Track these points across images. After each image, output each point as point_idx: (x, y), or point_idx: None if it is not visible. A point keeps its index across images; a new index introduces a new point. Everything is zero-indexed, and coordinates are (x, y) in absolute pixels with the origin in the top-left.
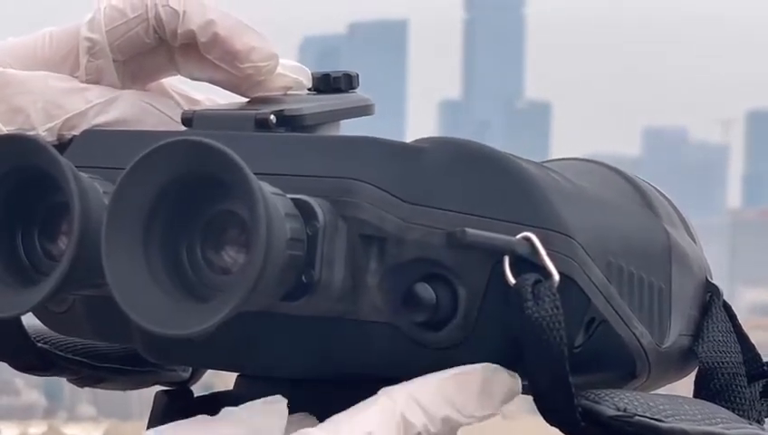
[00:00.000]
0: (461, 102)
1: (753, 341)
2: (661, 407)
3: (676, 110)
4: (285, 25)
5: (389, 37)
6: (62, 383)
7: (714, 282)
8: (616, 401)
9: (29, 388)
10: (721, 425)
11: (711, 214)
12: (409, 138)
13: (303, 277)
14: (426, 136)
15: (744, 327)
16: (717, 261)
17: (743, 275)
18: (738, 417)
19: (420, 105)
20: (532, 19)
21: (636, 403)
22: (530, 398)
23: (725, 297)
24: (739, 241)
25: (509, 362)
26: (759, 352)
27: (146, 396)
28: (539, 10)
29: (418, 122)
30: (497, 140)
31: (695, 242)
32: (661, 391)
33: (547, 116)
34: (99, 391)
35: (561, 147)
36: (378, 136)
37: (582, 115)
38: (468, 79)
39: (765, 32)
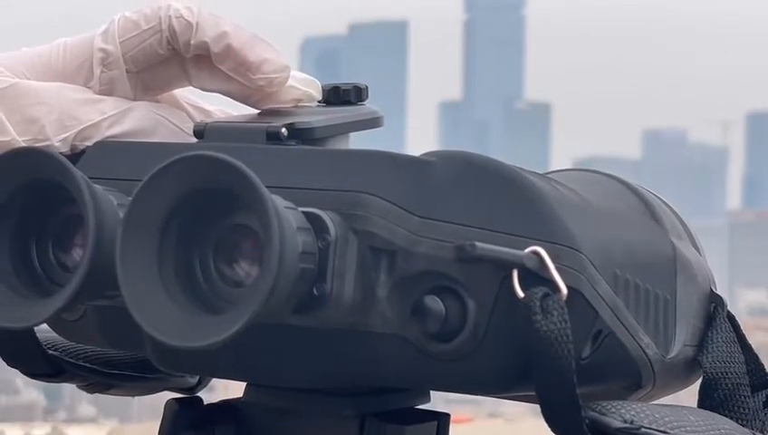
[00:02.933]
0: (461, 103)
1: (752, 342)
2: (666, 418)
3: (676, 111)
4: (285, 26)
5: (389, 38)
6: (63, 384)
7: (718, 292)
8: (622, 413)
9: (29, 387)
10: None
11: (710, 215)
12: (410, 138)
13: (315, 290)
14: (427, 137)
15: (742, 329)
16: (716, 262)
17: (741, 276)
18: (742, 427)
19: (420, 106)
20: (532, 20)
21: (642, 415)
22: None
23: (724, 298)
24: (738, 243)
25: (517, 373)
26: (762, 361)
27: (146, 398)
28: (538, 11)
29: (418, 123)
30: (497, 141)
31: (699, 252)
32: (665, 400)
33: (547, 117)
34: None
35: (561, 148)
36: (381, 140)
37: (582, 116)
38: (468, 80)
39: (766, 32)
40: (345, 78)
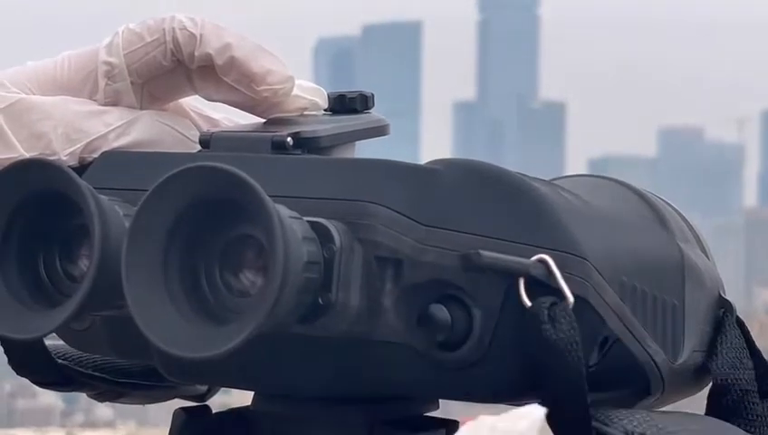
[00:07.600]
0: (475, 103)
1: None
2: (671, 428)
3: (692, 109)
4: (299, 27)
5: (404, 38)
6: None
7: (726, 297)
8: (625, 424)
9: (46, 391)
10: None
11: (727, 214)
12: (424, 139)
13: (320, 299)
14: (441, 138)
15: (760, 327)
16: (733, 261)
17: (759, 274)
18: None
19: (435, 106)
20: (546, 19)
21: (644, 425)
22: None
23: (741, 297)
24: (755, 240)
25: (523, 382)
26: None
27: (164, 402)
28: (553, 10)
29: (433, 123)
30: (511, 141)
31: (707, 256)
32: (679, 404)
33: (561, 116)
34: None
35: (576, 147)
36: (395, 141)
37: (597, 115)
38: (482, 79)
39: None
40: (359, 79)
